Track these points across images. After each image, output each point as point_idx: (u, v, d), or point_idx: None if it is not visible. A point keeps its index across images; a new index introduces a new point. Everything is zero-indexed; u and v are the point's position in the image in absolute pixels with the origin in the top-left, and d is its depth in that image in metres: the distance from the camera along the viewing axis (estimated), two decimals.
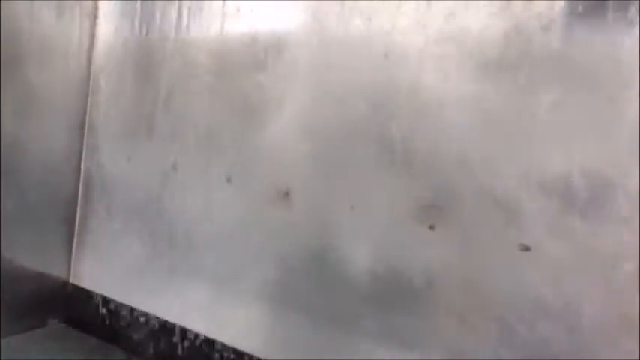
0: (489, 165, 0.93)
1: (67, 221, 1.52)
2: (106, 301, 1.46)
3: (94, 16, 1.48)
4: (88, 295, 1.50)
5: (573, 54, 0.86)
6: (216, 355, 1.24)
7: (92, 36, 1.48)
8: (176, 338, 1.32)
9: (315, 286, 1.12)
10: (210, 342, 1.26)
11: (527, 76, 0.89)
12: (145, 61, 1.39)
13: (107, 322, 1.46)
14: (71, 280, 1.55)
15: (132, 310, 1.41)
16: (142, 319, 1.39)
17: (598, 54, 0.84)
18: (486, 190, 0.93)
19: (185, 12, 1.31)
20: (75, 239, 1.54)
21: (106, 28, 1.47)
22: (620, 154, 0.82)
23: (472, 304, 0.94)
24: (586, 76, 0.85)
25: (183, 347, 1.30)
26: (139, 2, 1.40)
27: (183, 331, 1.30)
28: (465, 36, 0.95)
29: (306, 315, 1.13)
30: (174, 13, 1.33)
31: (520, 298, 0.90)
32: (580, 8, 0.85)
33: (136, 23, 1.40)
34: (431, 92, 0.98)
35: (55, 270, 1.52)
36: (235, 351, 1.22)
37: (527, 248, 0.88)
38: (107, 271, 1.48)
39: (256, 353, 1.19)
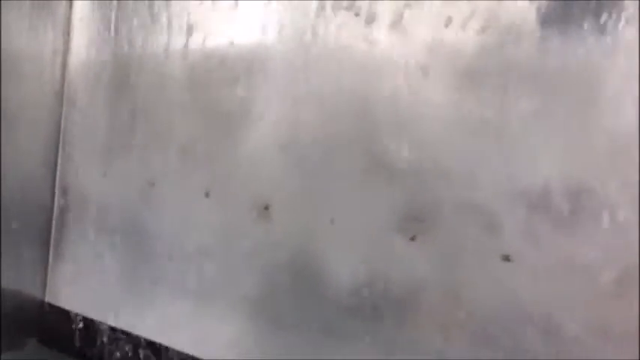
0: (469, 176, 0.93)
1: (42, 239, 1.50)
2: (83, 319, 1.44)
3: (68, 32, 1.46)
4: (64, 314, 1.47)
5: (549, 64, 0.87)
6: None
7: (66, 51, 1.46)
8: (155, 356, 1.29)
9: (297, 299, 1.11)
10: (190, 359, 1.24)
11: (505, 87, 0.90)
12: (120, 75, 1.37)
13: (85, 342, 1.43)
14: (47, 300, 1.52)
15: (110, 328, 1.38)
16: (120, 336, 1.36)
17: (573, 63, 0.85)
18: (467, 200, 0.93)
19: (160, 26, 1.30)
20: (50, 257, 1.51)
21: (80, 43, 1.45)
22: (598, 163, 0.83)
23: (454, 314, 0.94)
24: (562, 86, 0.86)
25: None
26: (112, 17, 1.38)
27: (163, 349, 1.28)
28: (444, 47, 0.95)
29: (288, 328, 1.12)
30: (148, 28, 1.32)
31: (501, 308, 0.90)
32: (555, 18, 0.86)
33: (110, 38, 1.39)
34: (411, 104, 0.99)
35: (31, 289, 1.49)
36: None
37: (507, 258, 0.89)
38: (84, 289, 1.45)
39: None
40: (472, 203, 0.92)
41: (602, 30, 0.83)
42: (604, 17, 0.83)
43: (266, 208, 1.15)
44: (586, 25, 0.84)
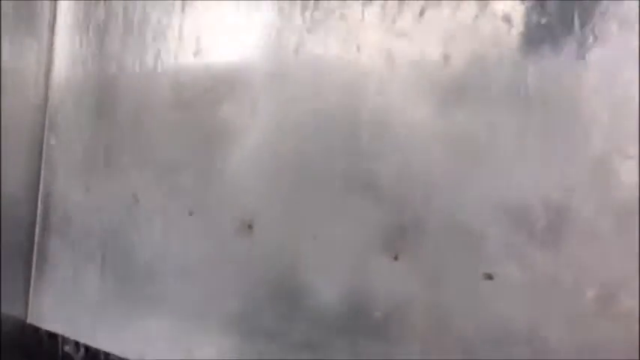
0: (452, 194, 0.93)
1: (24, 257, 1.48)
2: (66, 341, 1.41)
3: (51, 50, 1.45)
4: (47, 335, 1.45)
5: (531, 83, 0.87)
6: None
7: (49, 69, 1.46)
8: None
9: (280, 318, 1.10)
10: None
11: (487, 105, 0.90)
12: (104, 91, 1.37)
13: None
14: (29, 321, 1.49)
15: (92, 349, 1.36)
16: (102, 357, 1.34)
17: (555, 82, 0.85)
18: (449, 219, 0.92)
19: (144, 44, 1.30)
20: (32, 277, 1.49)
21: (64, 61, 1.44)
22: (579, 181, 0.83)
23: (437, 332, 0.93)
24: (543, 104, 0.86)
25: None
26: (97, 34, 1.38)
27: None
28: (427, 64, 0.96)
29: (271, 347, 1.10)
30: (132, 46, 1.32)
31: (485, 326, 0.89)
32: (536, 38, 0.87)
33: (95, 54, 1.38)
34: (394, 120, 0.98)
35: (12, 310, 1.46)
36: None
37: (490, 277, 0.88)
38: (67, 309, 1.43)
39: None
40: (455, 222, 0.92)
41: (583, 49, 0.83)
42: (585, 37, 0.83)
43: (250, 226, 1.14)
44: (567, 45, 0.84)
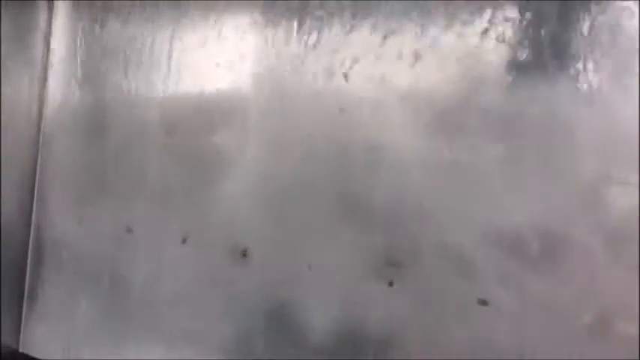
0: (445, 221, 0.94)
1: (16, 286, 1.46)
2: None
3: (44, 79, 1.45)
4: None
5: (521, 110, 0.89)
6: None
7: (42, 98, 1.45)
8: None
9: (275, 345, 1.10)
10: None
11: (479, 133, 0.92)
12: (97, 121, 1.37)
13: None
14: (21, 350, 1.47)
15: None
16: None
17: (544, 110, 0.87)
18: (443, 245, 0.93)
19: (138, 73, 1.30)
20: (24, 305, 1.48)
21: (56, 90, 1.44)
22: (569, 207, 0.84)
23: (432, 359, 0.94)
24: (533, 132, 0.88)
25: None
26: (90, 63, 1.39)
27: None
28: (419, 92, 0.97)
29: None
30: (124, 74, 1.32)
31: (479, 352, 0.90)
32: (524, 66, 0.89)
33: (88, 84, 1.39)
34: (388, 148, 1.00)
35: (4, 338, 1.45)
36: None
37: (484, 303, 0.89)
38: (59, 338, 1.41)
39: None
40: (449, 248, 0.93)
41: (570, 77, 0.85)
42: (572, 64, 0.85)
43: (244, 253, 1.14)
44: (555, 73, 0.86)
